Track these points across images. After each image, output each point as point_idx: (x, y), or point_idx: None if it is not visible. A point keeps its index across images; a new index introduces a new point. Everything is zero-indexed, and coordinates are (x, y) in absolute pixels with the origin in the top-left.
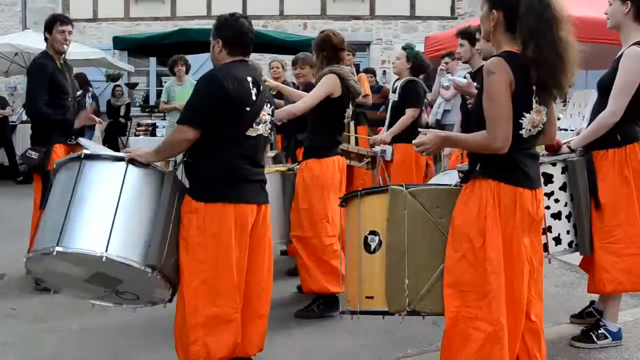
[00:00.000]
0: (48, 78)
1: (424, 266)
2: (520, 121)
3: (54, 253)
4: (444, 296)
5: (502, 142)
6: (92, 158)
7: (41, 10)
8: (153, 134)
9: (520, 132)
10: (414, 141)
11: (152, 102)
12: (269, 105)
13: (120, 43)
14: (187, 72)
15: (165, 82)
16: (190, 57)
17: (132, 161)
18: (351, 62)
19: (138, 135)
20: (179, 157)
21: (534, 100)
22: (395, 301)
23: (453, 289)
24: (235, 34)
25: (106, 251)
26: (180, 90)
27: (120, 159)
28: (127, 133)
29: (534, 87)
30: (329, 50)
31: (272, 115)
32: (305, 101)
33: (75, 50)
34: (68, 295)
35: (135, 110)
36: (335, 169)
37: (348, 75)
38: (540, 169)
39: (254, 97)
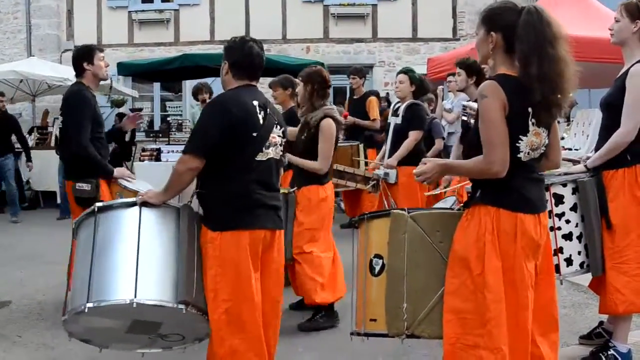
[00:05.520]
0: (92, 112)
1: (423, 290)
2: (517, 144)
3: (86, 310)
4: (443, 322)
5: (499, 166)
6: (105, 209)
7: (46, 37)
8: (158, 159)
9: (519, 155)
10: (414, 171)
11: (156, 127)
12: (278, 127)
13: (124, 69)
14: (210, 98)
15: (170, 107)
16: (193, 82)
17: (144, 204)
18: (359, 85)
19: (143, 161)
20: (193, 189)
21: (530, 123)
22: (394, 325)
23: (453, 315)
24: (241, 57)
25: (135, 297)
26: None
27: (133, 204)
28: (132, 158)
29: (530, 109)
30: (320, 84)
31: (284, 137)
32: (324, 159)
33: None
34: (117, 350)
35: (140, 135)
36: (332, 193)
37: (337, 114)
38: (551, 189)
39: (261, 121)
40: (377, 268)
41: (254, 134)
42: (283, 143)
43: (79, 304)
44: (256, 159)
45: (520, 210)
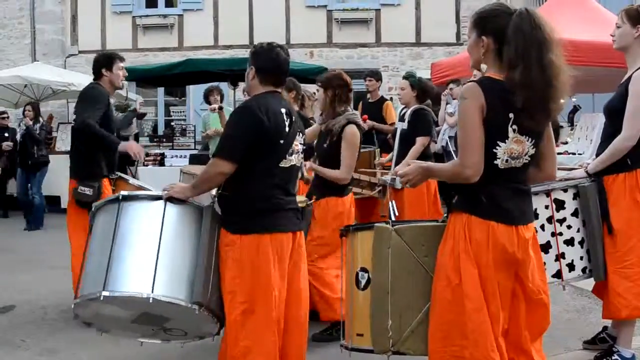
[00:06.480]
0: (104, 107)
1: (408, 306)
2: (495, 150)
3: (101, 298)
4: (428, 335)
5: (470, 170)
6: (130, 199)
7: (50, 42)
8: (162, 164)
9: (495, 162)
10: (398, 172)
11: (160, 131)
12: (300, 134)
13: (128, 73)
14: (221, 101)
15: (174, 112)
16: (197, 87)
17: (170, 199)
18: (375, 88)
19: (147, 165)
20: (214, 190)
21: (510, 129)
22: (379, 342)
23: (437, 328)
24: (268, 62)
25: (152, 292)
26: (215, 117)
27: (158, 198)
28: (135, 163)
29: (511, 115)
30: (341, 88)
31: (304, 144)
32: (347, 169)
33: (85, 82)
34: (117, 336)
35: (143, 140)
36: (352, 205)
37: (359, 119)
38: (552, 195)
39: (287, 129)
40: (363, 282)
41: (281, 142)
42: (302, 150)
43: (94, 291)
44: (280, 165)
45: (493, 218)
